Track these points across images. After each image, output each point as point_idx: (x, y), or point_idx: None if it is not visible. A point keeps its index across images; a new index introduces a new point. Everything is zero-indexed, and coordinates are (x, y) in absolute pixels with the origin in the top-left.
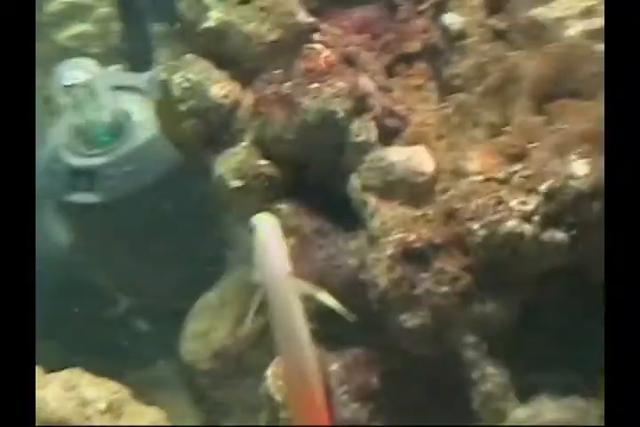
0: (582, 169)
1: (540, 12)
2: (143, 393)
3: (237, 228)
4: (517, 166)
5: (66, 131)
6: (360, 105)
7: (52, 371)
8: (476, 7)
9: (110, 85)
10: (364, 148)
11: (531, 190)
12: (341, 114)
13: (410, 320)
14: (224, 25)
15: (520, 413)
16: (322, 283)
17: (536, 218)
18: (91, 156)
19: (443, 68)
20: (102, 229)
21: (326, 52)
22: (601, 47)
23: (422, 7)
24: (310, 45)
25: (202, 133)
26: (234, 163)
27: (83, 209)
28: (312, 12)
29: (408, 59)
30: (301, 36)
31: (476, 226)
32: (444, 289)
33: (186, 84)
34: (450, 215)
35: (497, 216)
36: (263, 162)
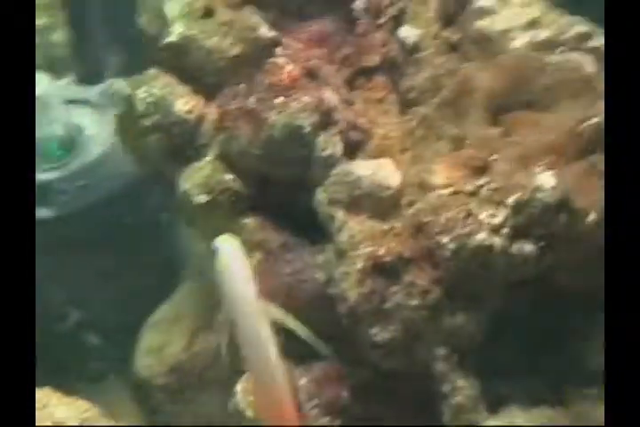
0: (549, 181)
1: (485, 24)
2: None
3: (202, 242)
4: (485, 179)
5: None
6: (325, 119)
7: None
8: (430, 20)
9: (62, 99)
10: (331, 162)
11: (499, 203)
12: (308, 128)
13: (380, 334)
14: (186, 40)
15: (491, 424)
16: (289, 297)
17: (505, 231)
18: (43, 170)
19: (401, 81)
20: (55, 244)
21: (289, 67)
22: (552, 59)
23: (381, 21)
24: (273, 60)
25: (166, 148)
26: (199, 178)
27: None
28: (270, 25)
29: (368, 72)
30: (263, 50)
31: (445, 239)
32: (415, 302)
33: (150, 99)
34: (418, 229)
35: (466, 229)
36: (229, 177)
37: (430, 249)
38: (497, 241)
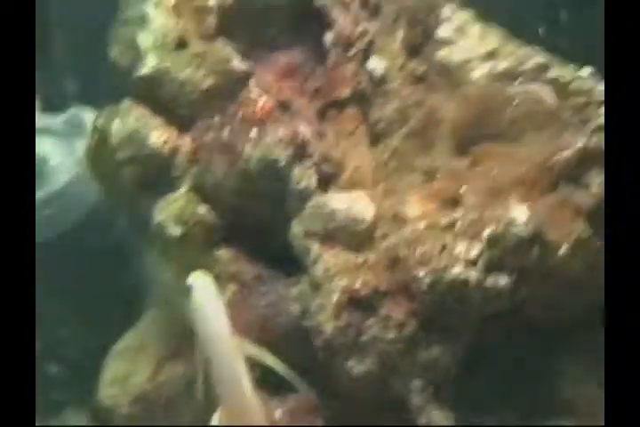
0: (522, 215)
1: (445, 55)
2: None
3: (174, 273)
4: (459, 213)
5: None
6: (300, 152)
7: None
8: (396, 51)
9: None
10: (305, 194)
11: (473, 237)
12: (283, 162)
13: (357, 367)
14: (159, 72)
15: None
16: (264, 329)
17: (480, 264)
18: None
19: (370, 113)
20: None
21: (262, 99)
22: (514, 90)
23: (351, 53)
24: (246, 92)
25: (140, 180)
26: (173, 209)
27: None
28: (242, 56)
29: (339, 104)
30: (237, 82)
31: (421, 273)
32: (391, 336)
33: (124, 132)
34: (394, 262)
35: (442, 263)
36: (203, 209)
37: (406, 282)
38: (472, 275)
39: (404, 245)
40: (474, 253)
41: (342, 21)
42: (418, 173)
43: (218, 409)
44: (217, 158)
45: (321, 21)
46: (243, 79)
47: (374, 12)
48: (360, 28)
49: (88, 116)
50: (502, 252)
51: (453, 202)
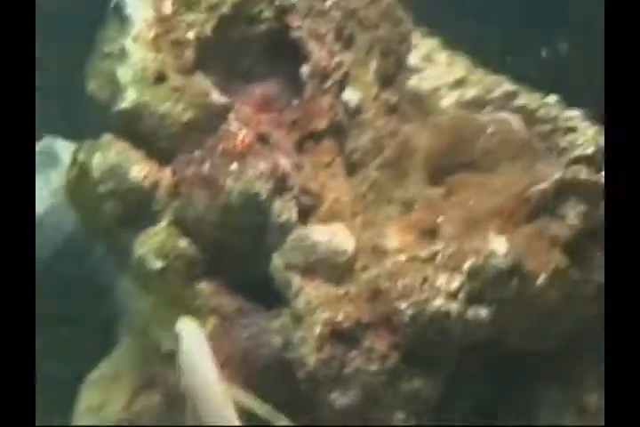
0: (501, 247)
1: (415, 83)
2: None
3: (153, 304)
4: (439, 245)
5: None
6: (280, 185)
7: None
8: (370, 82)
9: None
10: (286, 227)
11: (454, 269)
12: (264, 195)
13: (340, 399)
14: (139, 105)
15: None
16: (245, 362)
17: (461, 296)
18: None
19: (346, 144)
20: None
21: (242, 133)
22: (484, 118)
23: (327, 85)
24: (226, 126)
25: (121, 214)
26: (154, 243)
27: None
28: (219, 89)
29: (316, 136)
30: (216, 115)
31: (403, 305)
32: (374, 368)
33: (105, 166)
34: (375, 294)
35: (424, 295)
36: (184, 242)
37: (388, 314)
38: (454, 307)
39: (386, 277)
40: (455, 285)
41: (318, 53)
42: (395, 203)
43: None
44: (198, 192)
45: (295, 53)
46: (222, 112)
47: (348, 43)
48: (336, 60)
49: (61, 146)
50: (482, 283)
51: (431, 233)
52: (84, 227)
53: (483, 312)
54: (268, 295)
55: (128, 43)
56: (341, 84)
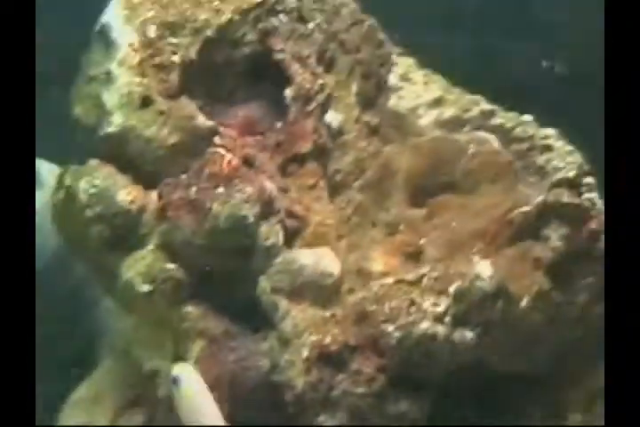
0: (486, 270)
1: (394, 103)
2: None
3: (136, 325)
4: (424, 268)
5: None
6: (267, 209)
7: None
8: (351, 104)
9: None
10: (273, 251)
11: (440, 292)
12: (251, 219)
13: (328, 422)
14: (125, 129)
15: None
16: (233, 385)
17: (447, 319)
18: None
19: (329, 166)
20: None
21: (229, 156)
22: (463, 138)
23: (310, 107)
24: (213, 149)
25: (108, 238)
26: (141, 267)
27: None
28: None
29: (300, 159)
30: (201, 139)
31: (390, 328)
32: (361, 390)
33: (93, 191)
34: (362, 317)
35: (411, 318)
36: (171, 266)
37: (374, 337)
38: (440, 329)
39: (372, 300)
40: (441, 308)
41: (302, 76)
42: (379, 226)
43: None
44: (185, 216)
45: (278, 75)
46: (208, 136)
47: (330, 65)
48: (320, 82)
49: (44, 168)
50: (468, 306)
51: (415, 256)
52: (70, 249)
53: (469, 335)
54: (255, 318)
55: (114, 67)
56: (324, 107)
